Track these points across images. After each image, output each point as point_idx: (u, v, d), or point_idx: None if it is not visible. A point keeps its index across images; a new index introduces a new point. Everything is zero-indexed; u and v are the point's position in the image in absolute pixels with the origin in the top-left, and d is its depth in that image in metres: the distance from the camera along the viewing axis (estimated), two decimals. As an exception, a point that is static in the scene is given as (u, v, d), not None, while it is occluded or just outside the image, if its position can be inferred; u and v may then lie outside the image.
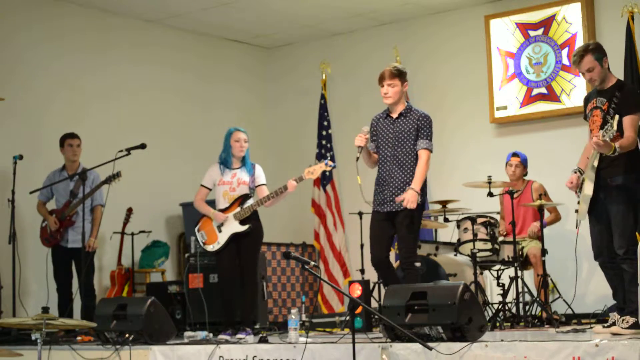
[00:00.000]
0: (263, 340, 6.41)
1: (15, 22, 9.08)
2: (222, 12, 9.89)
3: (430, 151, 6.45)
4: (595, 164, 5.79)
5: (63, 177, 8.26)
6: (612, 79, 5.95)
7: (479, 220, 7.69)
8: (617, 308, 5.95)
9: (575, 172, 6.02)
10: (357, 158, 6.49)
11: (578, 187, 5.97)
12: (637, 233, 7.32)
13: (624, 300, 5.87)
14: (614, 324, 5.77)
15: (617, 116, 5.66)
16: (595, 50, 5.92)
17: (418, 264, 6.36)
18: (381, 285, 8.09)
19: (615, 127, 5.58)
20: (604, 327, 5.85)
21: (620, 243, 5.76)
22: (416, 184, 6.33)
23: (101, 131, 9.41)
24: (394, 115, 6.55)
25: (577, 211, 5.96)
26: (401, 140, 6.47)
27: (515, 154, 8.30)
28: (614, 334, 5.58)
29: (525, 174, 8.33)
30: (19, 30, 9.09)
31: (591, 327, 6.36)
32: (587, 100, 6.11)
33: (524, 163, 8.27)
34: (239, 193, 7.37)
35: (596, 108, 5.92)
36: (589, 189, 5.82)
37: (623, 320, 5.68)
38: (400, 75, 6.52)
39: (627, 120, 5.75)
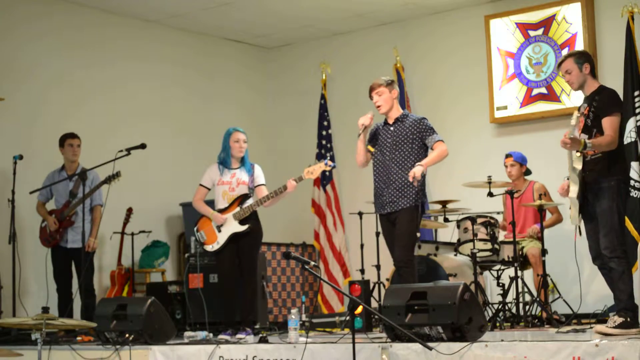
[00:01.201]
0: (263, 340, 6.41)
1: (12, 21, 9.06)
2: (222, 12, 9.89)
3: (443, 141, 6.64)
4: (578, 166, 5.86)
5: (62, 177, 8.26)
6: (594, 85, 6.07)
7: (479, 220, 7.69)
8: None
9: (567, 179, 6.10)
10: (359, 135, 6.67)
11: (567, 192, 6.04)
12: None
13: (615, 302, 5.88)
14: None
15: (575, 113, 5.76)
16: (577, 55, 6.10)
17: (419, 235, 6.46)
18: (381, 285, 8.10)
19: (573, 122, 5.68)
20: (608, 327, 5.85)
21: (605, 243, 5.81)
22: (425, 160, 6.53)
23: (101, 130, 9.40)
24: (390, 122, 6.75)
25: (570, 216, 6.02)
26: (399, 144, 6.64)
27: (508, 155, 8.32)
28: (600, 333, 5.56)
29: (526, 172, 8.32)
30: (16, 28, 9.06)
31: (591, 327, 6.36)
32: (578, 109, 6.20)
33: (519, 161, 8.27)
34: (238, 193, 7.37)
35: (581, 115, 6.04)
36: (572, 191, 5.90)
37: (611, 319, 5.69)
38: (385, 83, 6.72)
39: (606, 121, 5.86)
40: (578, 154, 5.84)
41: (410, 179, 6.43)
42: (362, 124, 6.67)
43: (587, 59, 6.08)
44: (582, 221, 6.02)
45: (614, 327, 5.61)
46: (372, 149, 6.75)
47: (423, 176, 6.59)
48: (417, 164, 6.50)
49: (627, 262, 5.81)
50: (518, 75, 9.40)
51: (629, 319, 5.65)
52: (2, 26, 8.99)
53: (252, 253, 7.38)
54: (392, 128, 6.70)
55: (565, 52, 9.02)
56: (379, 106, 6.71)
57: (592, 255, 6.04)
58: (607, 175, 5.86)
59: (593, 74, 6.08)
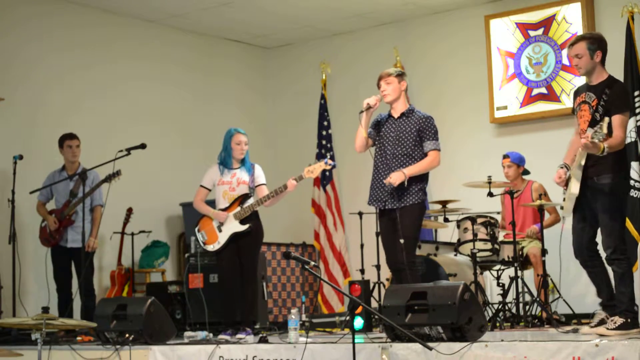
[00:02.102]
0: (263, 340, 6.41)
1: (12, 20, 9.06)
2: (222, 12, 9.89)
3: (439, 150, 6.53)
4: (583, 162, 5.75)
5: (63, 177, 8.26)
6: (603, 75, 5.86)
7: (479, 220, 7.69)
8: (602, 305, 5.91)
9: (562, 167, 5.97)
10: (361, 112, 6.54)
11: (565, 183, 5.95)
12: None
13: (609, 297, 5.86)
14: (601, 322, 5.77)
15: (606, 119, 5.56)
16: (591, 40, 5.85)
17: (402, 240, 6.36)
18: (381, 285, 8.10)
19: (605, 130, 5.48)
20: (590, 327, 5.84)
21: (607, 243, 5.74)
22: (409, 169, 6.41)
23: (101, 130, 9.41)
24: (396, 115, 6.61)
25: (562, 207, 5.96)
26: (402, 140, 6.52)
27: (505, 155, 8.32)
28: (600, 335, 5.54)
29: (525, 173, 8.33)
30: (16, 28, 9.06)
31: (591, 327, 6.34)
32: (576, 93, 6.02)
33: (516, 162, 8.27)
34: (238, 193, 7.38)
35: (585, 102, 5.87)
36: (575, 187, 5.78)
37: (611, 320, 5.66)
38: (396, 74, 6.62)
39: (616, 119, 5.69)
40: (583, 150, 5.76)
41: (386, 182, 6.36)
42: (367, 102, 6.50)
43: (600, 45, 5.83)
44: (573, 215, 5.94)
45: (614, 329, 5.59)
46: (365, 133, 6.60)
47: (425, 177, 6.58)
48: (401, 169, 6.39)
49: (628, 263, 5.75)
50: (518, 75, 9.41)
51: (629, 320, 5.63)
52: (2, 26, 8.99)
53: (252, 253, 7.38)
54: (396, 122, 6.57)
55: (565, 52, 9.01)
56: (385, 95, 6.56)
57: (575, 251, 5.95)
58: (611, 172, 5.72)
59: (603, 62, 5.86)
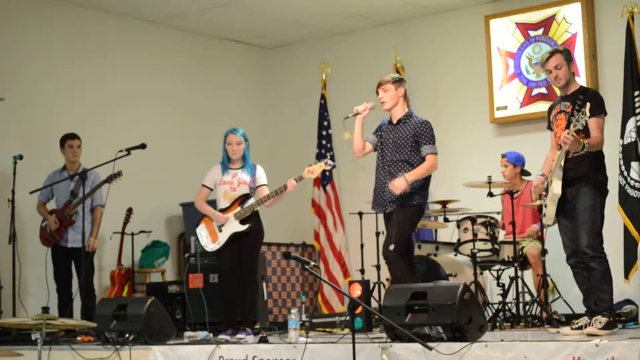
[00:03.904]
0: (263, 340, 6.41)
1: (18, 25, 9.07)
2: (222, 12, 9.89)
3: (436, 154, 6.60)
4: (562, 163, 5.85)
5: (63, 177, 8.26)
6: (576, 85, 6.07)
7: (479, 220, 7.69)
8: (588, 313, 5.94)
9: (541, 176, 6.10)
10: (346, 117, 6.68)
11: (545, 188, 6.03)
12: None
13: (596, 303, 5.91)
14: (581, 327, 5.80)
15: (588, 104, 5.68)
16: (564, 52, 6.07)
17: (391, 247, 6.45)
18: (381, 285, 8.11)
19: (588, 113, 5.62)
20: (572, 328, 5.87)
21: (588, 241, 5.82)
22: (410, 174, 6.48)
23: (101, 130, 9.40)
24: (394, 121, 6.73)
25: (544, 215, 6.01)
26: (400, 146, 6.62)
27: (503, 155, 8.33)
28: (590, 335, 5.56)
29: (525, 174, 8.33)
30: (22, 32, 9.07)
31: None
32: (551, 108, 6.20)
33: (512, 162, 8.26)
34: (239, 193, 7.37)
35: (560, 112, 6.02)
36: (557, 187, 5.86)
37: (596, 320, 5.71)
38: (392, 80, 6.70)
39: (593, 122, 5.83)
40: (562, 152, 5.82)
41: (390, 187, 6.45)
42: (356, 108, 6.67)
43: (571, 57, 6.09)
44: (557, 220, 6.03)
45: (602, 328, 5.64)
46: (348, 137, 6.72)
47: (427, 179, 6.62)
48: (402, 175, 6.45)
49: (607, 262, 5.85)
50: (518, 75, 9.41)
51: (611, 319, 5.72)
52: (9, 32, 8.99)
53: (252, 253, 7.38)
54: (395, 128, 6.66)
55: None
56: (383, 102, 6.67)
57: (567, 253, 6.03)
58: (593, 173, 5.87)
59: (574, 74, 6.12)
